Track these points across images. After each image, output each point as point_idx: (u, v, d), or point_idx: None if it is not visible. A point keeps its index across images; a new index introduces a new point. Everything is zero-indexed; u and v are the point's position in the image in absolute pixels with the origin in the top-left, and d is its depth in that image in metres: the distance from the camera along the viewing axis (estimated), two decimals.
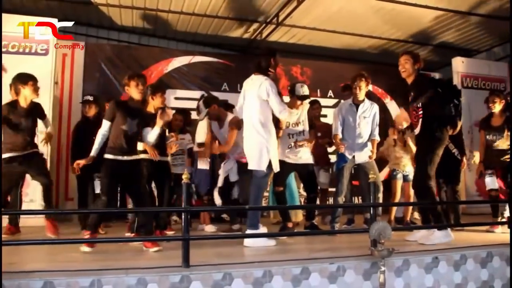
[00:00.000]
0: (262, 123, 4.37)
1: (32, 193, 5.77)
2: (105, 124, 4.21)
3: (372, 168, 5.25)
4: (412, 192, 5.62)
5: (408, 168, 5.85)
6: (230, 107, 6.00)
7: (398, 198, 5.90)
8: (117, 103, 4.33)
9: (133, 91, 4.27)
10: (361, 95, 5.41)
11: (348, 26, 8.55)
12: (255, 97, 4.41)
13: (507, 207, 6.10)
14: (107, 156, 4.13)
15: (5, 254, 2.72)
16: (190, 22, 8.46)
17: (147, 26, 8.75)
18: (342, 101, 6.32)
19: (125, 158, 4.16)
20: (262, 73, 4.46)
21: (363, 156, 5.39)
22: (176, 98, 7.84)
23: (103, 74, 7.65)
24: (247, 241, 4.23)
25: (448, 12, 7.79)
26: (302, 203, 6.73)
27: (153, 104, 4.92)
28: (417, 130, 4.40)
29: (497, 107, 5.69)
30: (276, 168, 4.47)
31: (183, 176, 3.35)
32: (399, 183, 5.90)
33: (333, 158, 6.69)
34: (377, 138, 5.51)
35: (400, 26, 8.46)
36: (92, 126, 5.66)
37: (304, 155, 5.20)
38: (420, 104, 4.28)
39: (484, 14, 7.84)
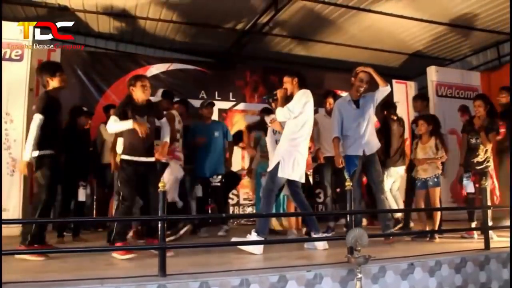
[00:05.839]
0: None
1: (5, 202, 5.63)
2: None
3: (377, 163, 5.11)
4: (438, 200, 5.36)
5: (429, 173, 5.35)
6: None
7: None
8: (125, 104, 4.40)
9: (138, 92, 4.38)
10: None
11: (326, 35, 8.66)
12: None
13: None
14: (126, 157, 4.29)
15: None
16: (168, 29, 8.44)
17: (124, 32, 8.69)
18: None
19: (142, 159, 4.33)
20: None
21: (373, 147, 5.12)
22: None
23: (80, 80, 7.57)
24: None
25: (423, 22, 7.97)
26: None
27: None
28: None
29: (482, 111, 5.64)
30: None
31: (160, 185, 3.31)
32: (419, 193, 5.44)
33: None
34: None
35: (376, 35, 8.60)
36: (82, 137, 5.66)
37: None
38: None
39: (458, 24, 8.03)
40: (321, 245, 4.49)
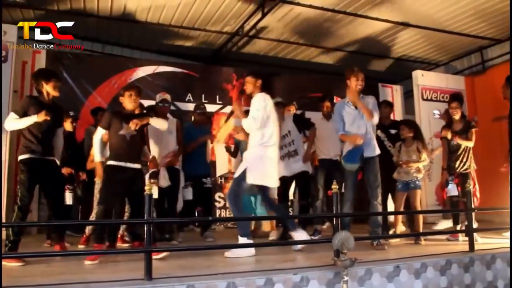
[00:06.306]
0: None
1: None
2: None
3: (376, 167, 4.95)
4: (418, 202, 5.43)
5: (411, 175, 5.42)
6: None
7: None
8: (112, 112, 4.57)
9: (126, 101, 4.49)
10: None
11: (312, 39, 8.69)
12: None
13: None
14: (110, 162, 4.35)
15: None
16: (155, 31, 8.39)
17: (111, 34, 8.64)
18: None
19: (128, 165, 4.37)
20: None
21: (372, 151, 4.95)
22: None
23: (65, 83, 7.43)
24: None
25: (408, 26, 8.05)
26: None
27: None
28: None
29: (458, 113, 5.69)
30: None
31: (146, 188, 3.30)
32: (399, 195, 5.53)
33: None
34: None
35: (362, 40, 8.66)
36: (67, 141, 5.60)
37: (296, 164, 5.41)
38: None
39: (442, 29, 8.13)
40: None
